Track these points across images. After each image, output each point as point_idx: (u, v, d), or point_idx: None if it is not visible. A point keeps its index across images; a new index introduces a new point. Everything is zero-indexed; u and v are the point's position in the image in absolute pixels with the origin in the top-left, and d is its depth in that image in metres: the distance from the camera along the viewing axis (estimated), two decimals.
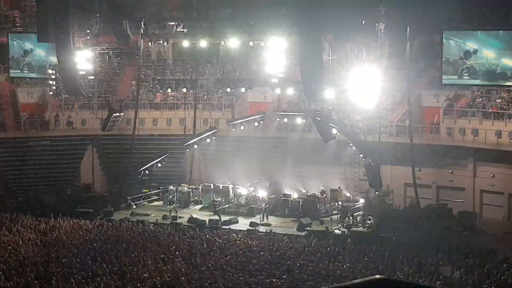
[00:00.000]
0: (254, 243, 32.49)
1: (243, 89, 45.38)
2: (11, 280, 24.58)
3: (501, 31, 39.93)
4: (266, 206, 39.91)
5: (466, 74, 40.71)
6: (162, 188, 43.77)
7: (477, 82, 41.39)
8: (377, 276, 7.39)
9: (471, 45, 40.39)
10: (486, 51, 40.12)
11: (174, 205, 41.00)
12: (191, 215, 39.40)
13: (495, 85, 41.86)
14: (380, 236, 34.64)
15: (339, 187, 41.68)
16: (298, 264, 27.28)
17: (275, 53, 41.67)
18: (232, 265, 26.73)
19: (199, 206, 42.38)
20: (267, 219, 38.90)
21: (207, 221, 38.44)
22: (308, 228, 36.93)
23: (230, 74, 48.03)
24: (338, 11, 37.05)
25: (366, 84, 38.76)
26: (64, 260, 27.42)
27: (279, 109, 46.61)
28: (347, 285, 7.37)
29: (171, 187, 43.08)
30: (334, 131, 40.04)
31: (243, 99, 49.04)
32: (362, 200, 40.59)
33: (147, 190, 43.66)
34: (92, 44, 44.16)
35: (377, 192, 40.39)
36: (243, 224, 38.31)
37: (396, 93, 44.34)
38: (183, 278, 25.05)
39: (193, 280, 24.98)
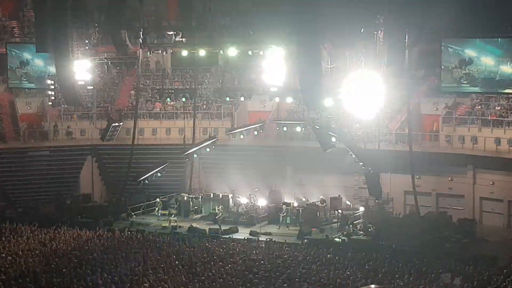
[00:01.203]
0: (254, 252, 32.45)
1: (242, 98, 45.38)
2: None
3: (500, 39, 39.93)
4: (284, 214, 39.98)
5: (466, 82, 40.65)
6: (162, 198, 43.74)
7: (476, 89, 41.30)
8: (372, 286, 7.38)
9: (469, 53, 40.35)
10: (485, 59, 40.06)
11: (173, 216, 40.92)
12: (191, 225, 39.40)
13: (494, 93, 41.85)
14: (380, 244, 34.61)
15: (339, 195, 41.65)
16: (298, 273, 27.19)
17: (274, 62, 41.65)
18: (233, 274, 26.65)
19: (199, 215, 42.42)
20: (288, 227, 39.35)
21: (207, 230, 38.49)
22: (308, 237, 36.92)
23: (229, 83, 48.04)
24: (336, 19, 37.08)
25: (365, 92, 38.68)
26: (64, 270, 27.35)
27: (278, 118, 46.59)
28: None
29: (158, 200, 43.08)
30: (333, 139, 40.01)
31: (242, 108, 49.07)
32: (362, 208, 40.60)
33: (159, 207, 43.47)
34: (91, 54, 44.13)
35: (376, 200, 40.37)
36: (243, 233, 38.29)
37: (395, 101, 44.33)
38: None
39: None
